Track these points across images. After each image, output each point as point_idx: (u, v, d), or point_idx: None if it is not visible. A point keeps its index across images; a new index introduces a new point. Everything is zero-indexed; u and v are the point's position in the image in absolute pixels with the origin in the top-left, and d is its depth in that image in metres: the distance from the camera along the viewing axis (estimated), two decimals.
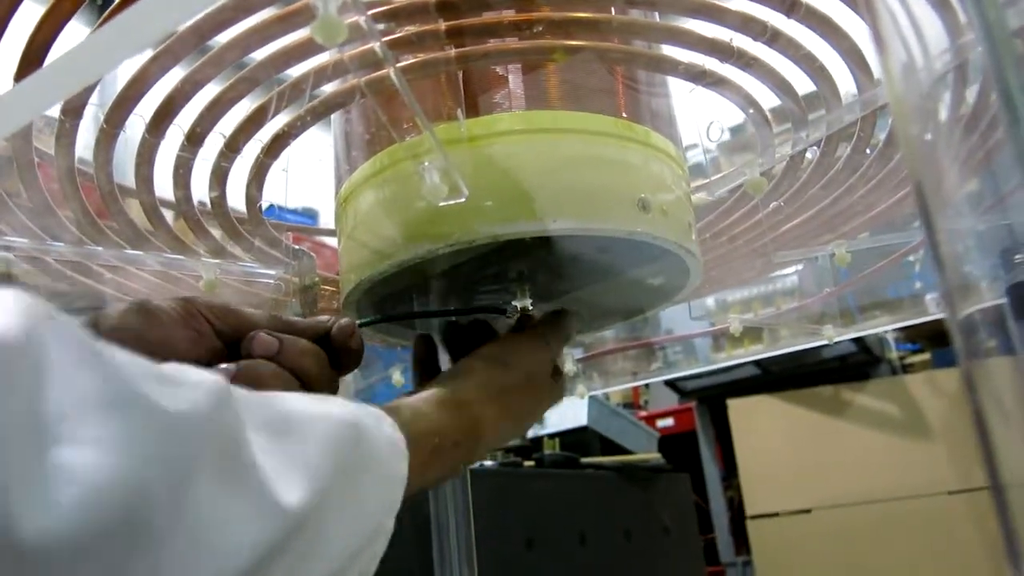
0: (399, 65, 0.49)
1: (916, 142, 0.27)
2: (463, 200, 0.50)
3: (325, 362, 0.51)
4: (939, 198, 0.28)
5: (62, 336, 0.27)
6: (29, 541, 0.23)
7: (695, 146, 0.70)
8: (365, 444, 0.38)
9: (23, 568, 0.23)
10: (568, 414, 2.04)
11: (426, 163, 0.48)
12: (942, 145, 0.32)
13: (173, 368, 0.30)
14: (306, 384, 0.49)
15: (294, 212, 2.05)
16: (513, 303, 0.63)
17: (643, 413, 2.81)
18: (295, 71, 0.52)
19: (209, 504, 0.28)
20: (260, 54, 0.50)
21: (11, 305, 0.26)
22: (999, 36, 0.24)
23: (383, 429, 0.41)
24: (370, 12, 0.46)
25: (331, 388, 0.51)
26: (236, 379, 0.40)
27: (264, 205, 0.66)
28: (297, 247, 0.69)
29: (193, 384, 0.30)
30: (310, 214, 2.25)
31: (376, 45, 0.39)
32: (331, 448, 0.36)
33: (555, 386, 0.60)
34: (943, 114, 0.49)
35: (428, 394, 0.49)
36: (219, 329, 0.48)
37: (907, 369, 2.27)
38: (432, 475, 0.46)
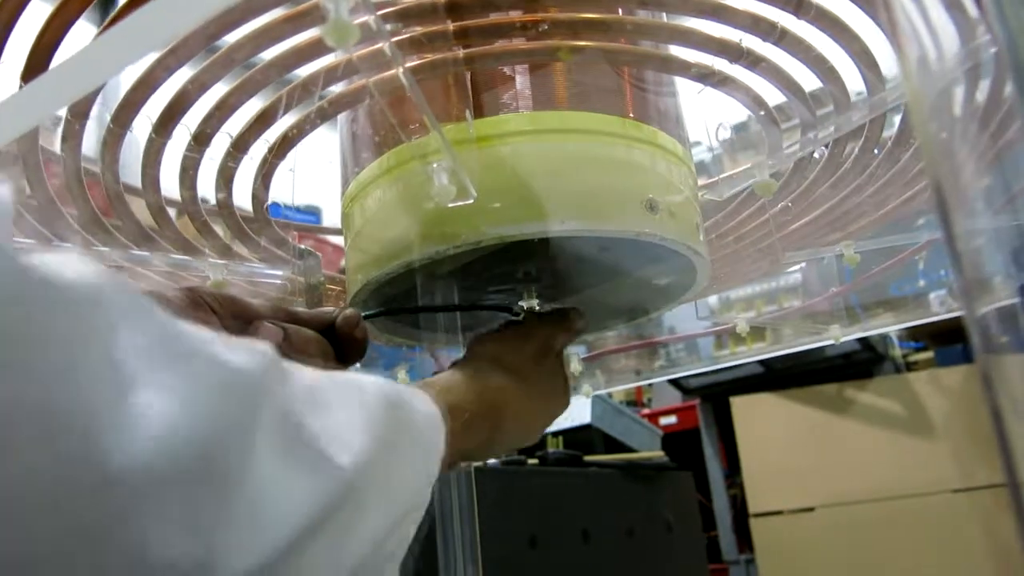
0: (407, 66, 0.49)
1: (934, 139, 0.27)
2: (471, 201, 0.50)
3: (330, 352, 0.52)
4: (957, 195, 0.28)
5: (127, 295, 0.28)
6: (116, 471, 0.24)
7: (699, 143, 0.70)
8: (405, 414, 0.39)
9: (113, 495, 0.24)
10: (572, 412, 2.03)
11: (435, 164, 0.48)
12: (959, 142, 0.32)
13: (223, 335, 0.31)
14: None
15: (297, 210, 2.05)
16: (520, 303, 0.63)
17: (646, 411, 2.81)
18: (303, 71, 0.52)
19: (271, 458, 0.29)
20: (268, 54, 0.50)
21: (82, 264, 0.27)
22: (1017, 30, 0.24)
23: (420, 401, 0.42)
24: (379, 12, 0.46)
25: None
26: None
27: (269, 203, 0.66)
28: (303, 247, 0.69)
29: (247, 348, 0.31)
30: (313, 212, 2.24)
31: (385, 45, 0.39)
32: (376, 415, 0.36)
33: (565, 386, 0.60)
34: (958, 112, 0.49)
35: (454, 374, 0.51)
36: (224, 318, 0.49)
37: (911, 367, 2.26)
38: (463, 448, 0.48)
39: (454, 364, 0.54)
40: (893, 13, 0.27)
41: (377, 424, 0.36)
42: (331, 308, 0.54)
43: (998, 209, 0.51)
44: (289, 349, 0.49)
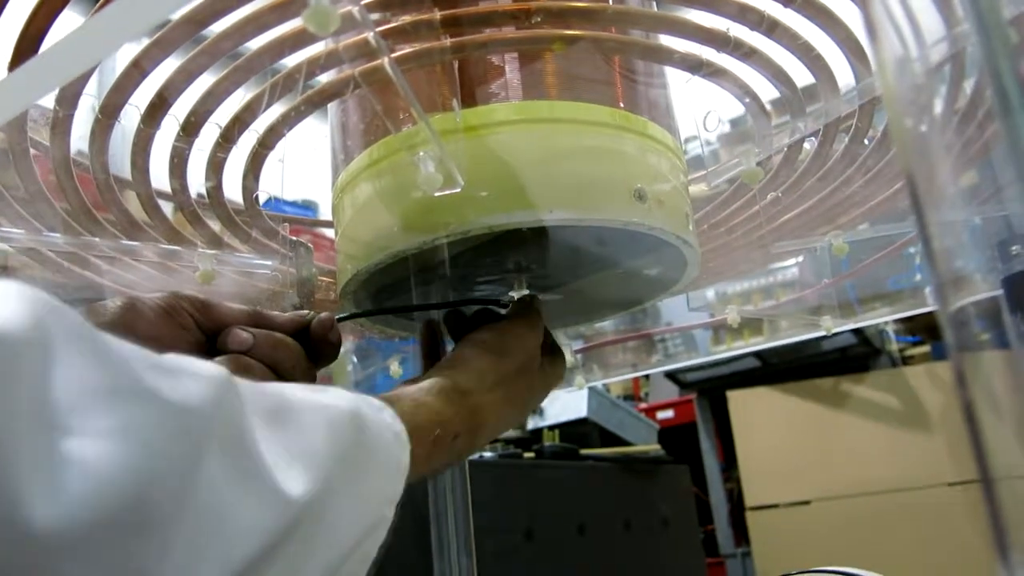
0: (394, 55, 0.49)
1: (909, 134, 0.27)
2: (458, 190, 0.50)
3: (300, 355, 0.52)
4: (932, 191, 0.28)
5: (67, 327, 0.27)
6: (39, 530, 0.23)
7: (696, 138, 0.70)
8: (367, 434, 0.39)
9: (34, 556, 0.23)
10: (568, 406, 2.04)
11: (421, 153, 0.48)
12: (936, 137, 0.32)
13: (175, 359, 0.31)
14: (282, 377, 0.49)
15: (294, 204, 2.05)
16: (510, 293, 0.63)
17: (643, 405, 2.82)
18: (291, 60, 0.52)
19: (214, 494, 0.28)
20: (255, 43, 0.50)
21: (16, 296, 0.26)
22: (992, 24, 0.24)
23: (384, 419, 0.41)
24: (364, 1, 0.46)
25: (309, 380, 0.52)
26: None
27: (263, 197, 0.66)
28: (295, 239, 0.69)
29: (195, 374, 0.30)
30: (310, 206, 2.24)
31: (370, 35, 0.39)
32: (333, 438, 0.36)
33: (554, 368, 0.60)
34: (939, 105, 0.49)
35: (428, 384, 0.49)
36: (200, 322, 0.49)
37: (907, 361, 2.27)
38: (433, 464, 0.46)
39: (434, 370, 0.53)
40: (869, 2, 0.27)
41: (338, 444, 0.36)
42: (306, 311, 0.54)
43: (983, 200, 0.51)
44: (260, 355, 0.49)
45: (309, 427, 0.35)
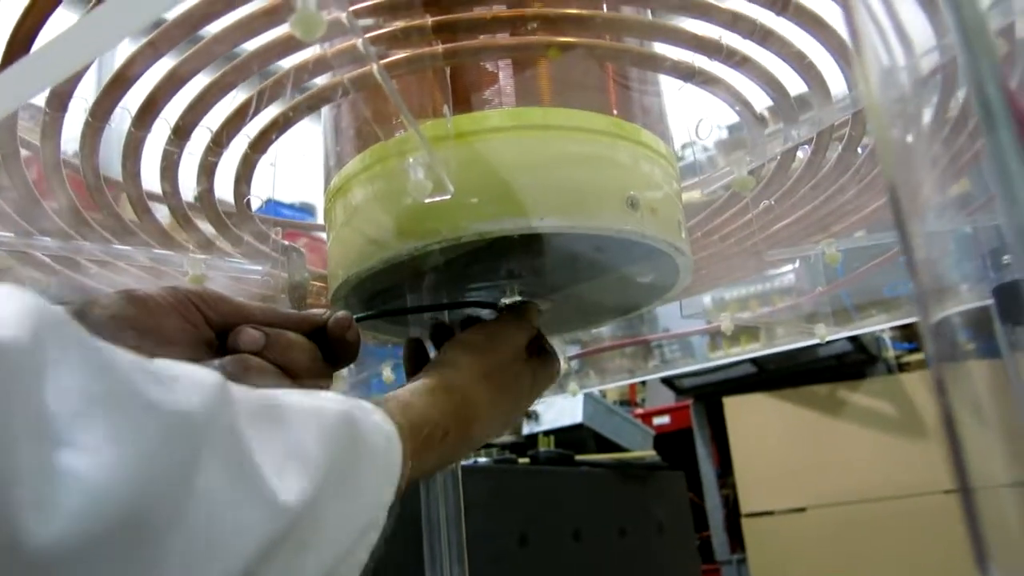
0: (385, 61, 0.49)
1: (892, 146, 0.27)
2: (448, 197, 0.50)
3: (315, 355, 0.50)
4: (916, 202, 0.28)
5: (62, 335, 0.27)
6: (34, 545, 0.23)
7: (693, 143, 0.70)
8: (359, 437, 0.39)
9: (29, 571, 0.23)
10: (564, 411, 2.04)
11: (411, 160, 0.48)
12: (921, 148, 0.32)
13: (169, 366, 0.30)
14: (295, 377, 0.48)
15: (291, 207, 2.04)
16: (502, 300, 0.63)
17: (639, 411, 2.81)
18: (285, 63, 0.52)
19: (209, 502, 0.28)
20: (246, 48, 0.50)
21: (11, 302, 0.26)
22: (974, 35, 0.24)
23: (375, 421, 0.41)
24: (354, 7, 0.46)
25: (322, 380, 0.51)
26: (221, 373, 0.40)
27: (256, 201, 0.66)
28: (287, 243, 0.69)
29: (190, 382, 0.30)
30: (308, 209, 2.24)
31: (359, 41, 0.39)
32: (326, 442, 0.36)
33: (546, 370, 0.60)
34: (928, 115, 0.49)
35: (416, 385, 0.49)
36: (210, 318, 0.48)
37: (903, 368, 2.26)
38: (425, 465, 0.46)
39: (422, 373, 0.52)
40: (854, 16, 0.27)
41: (331, 449, 0.36)
42: (321, 310, 0.52)
43: (975, 209, 0.51)
44: (272, 354, 0.48)
45: (302, 432, 0.35)
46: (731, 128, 0.75)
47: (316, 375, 0.50)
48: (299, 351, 0.49)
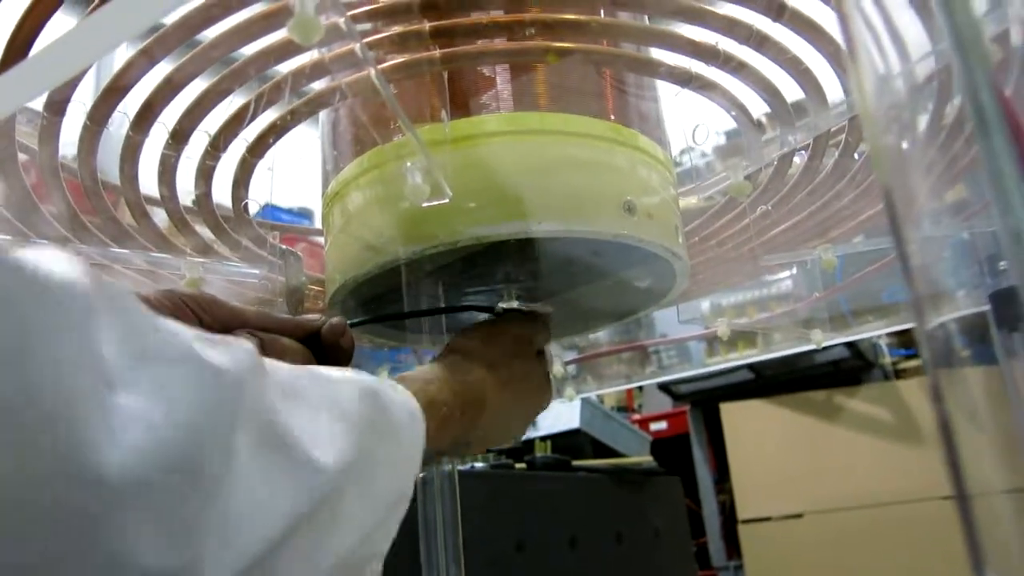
0: (383, 66, 0.49)
1: (887, 153, 0.27)
2: (446, 201, 0.50)
3: (310, 361, 0.51)
4: (910, 209, 0.28)
5: (111, 290, 0.28)
6: (106, 475, 0.24)
7: (691, 149, 0.70)
8: (386, 409, 0.40)
9: (100, 499, 0.24)
10: (561, 416, 2.04)
11: (409, 164, 0.48)
12: (916, 154, 0.32)
13: (211, 334, 0.32)
14: None
15: (289, 212, 2.05)
16: (499, 304, 0.63)
17: (636, 416, 2.81)
18: (282, 68, 0.52)
19: (251, 461, 0.29)
20: (244, 51, 0.50)
21: (63, 259, 0.27)
22: (968, 42, 0.24)
23: (400, 397, 0.42)
24: (352, 12, 0.46)
25: None
26: None
27: (254, 205, 0.66)
28: (285, 247, 0.69)
29: (234, 346, 0.31)
30: (306, 214, 2.24)
31: (356, 46, 0.39)
32: (357, 411, 0.37)
33: (544, 383, 0.60)
34: (924, 120, 0.49)
35: (431, 368, 0.50)
36: (205, 322, 0.48)
37: (900, 374, 2.27)
38: (441, 444, 0.47)
39: (432, 360, 0.54)
40: (848, 23, 0.27)
41: (359, 421, 0.36)
42: (316, 316, 0.53)
43: (972, 215, 0.51)
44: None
45: (331, 402, 0.36)
46: (729, 134, 0.75)
47: None
48: (294, 357, 0.50)
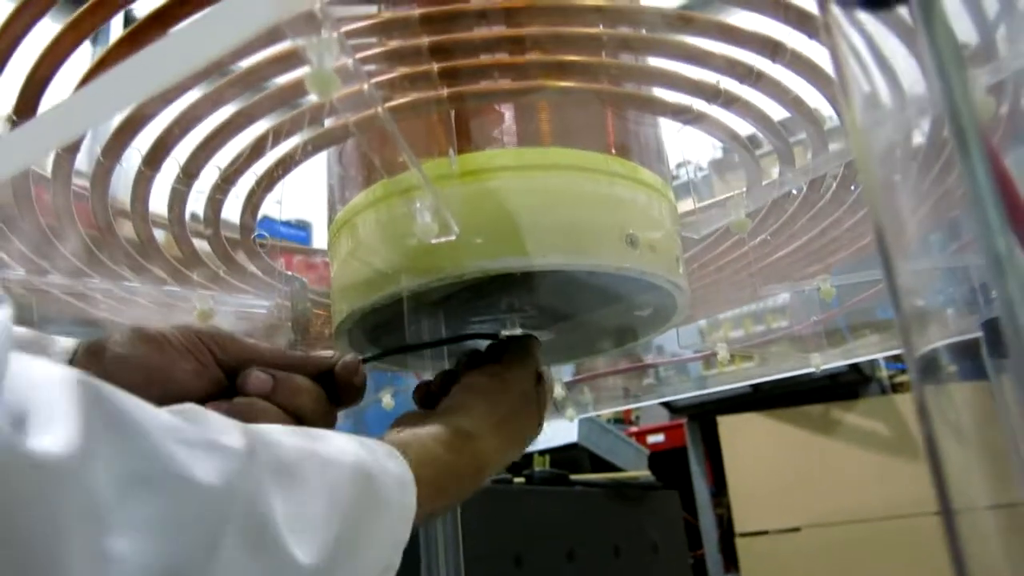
0: (390, 104, 0.50)
1: (878, 186, 0.28)
2: (454, 238, 0.51)
3: (322, 399, 0.51)
4: (900, 242, 0.29)
5: (103, 412, 0.29)
6: None
7: (689, 162, 0.71)
8: (375, 487, 0.40)
9: None
10: (559, 431, 2.04)
11: (418, 204, 0.49)
12: (908, 187, 0.33)
13: (196, 418, 0.33)
14: (300, 422, 0.49)
15: (287, 224, 2.05)
16: (503, 332, 0.64)
17: (634, 429, 2.81)
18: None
19: (233, 569, 0.31)
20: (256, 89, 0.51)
21: (55, 389, 0.28)
22: (948, 63, 0.25)
23: (391, 468, 0.42)
24: (361, 55, 0.47)
25: (327, 421, 0.52)
26: (228, 415, 0.41)
27: (259, 220, 0.67)
28: (290, 273, 0.70)
29: (220, 448, 0.32)
30: (303, 226, 2.24)
31: (364, 87, 0.40)
32: (343, 497, 0.37)
33: (545, 395, 0.61)
34: (919, 151, 0.50)
35: (432, 430, 0.49)
36: (220, 359, 0.49)
37: (897, 388, 2.27)
38: (436, 509, 0.47)
39: (435, 414, 0.52)
40: (839, 61, 0.28)
41: (348, 502, 0.37)
42: (330, 352, 0.54)
43: (964, 245, 0.52)
44: (279, 398, 0.49)
45: (320, 489, 0.37)
46: (725, 148, 0.76)
47: (321, 417, 0.51)
48: (306, 396, 0.50)
